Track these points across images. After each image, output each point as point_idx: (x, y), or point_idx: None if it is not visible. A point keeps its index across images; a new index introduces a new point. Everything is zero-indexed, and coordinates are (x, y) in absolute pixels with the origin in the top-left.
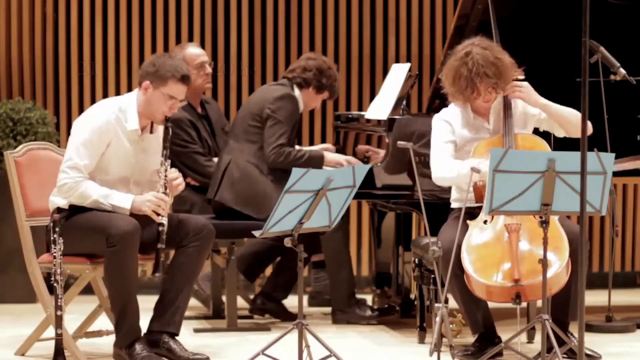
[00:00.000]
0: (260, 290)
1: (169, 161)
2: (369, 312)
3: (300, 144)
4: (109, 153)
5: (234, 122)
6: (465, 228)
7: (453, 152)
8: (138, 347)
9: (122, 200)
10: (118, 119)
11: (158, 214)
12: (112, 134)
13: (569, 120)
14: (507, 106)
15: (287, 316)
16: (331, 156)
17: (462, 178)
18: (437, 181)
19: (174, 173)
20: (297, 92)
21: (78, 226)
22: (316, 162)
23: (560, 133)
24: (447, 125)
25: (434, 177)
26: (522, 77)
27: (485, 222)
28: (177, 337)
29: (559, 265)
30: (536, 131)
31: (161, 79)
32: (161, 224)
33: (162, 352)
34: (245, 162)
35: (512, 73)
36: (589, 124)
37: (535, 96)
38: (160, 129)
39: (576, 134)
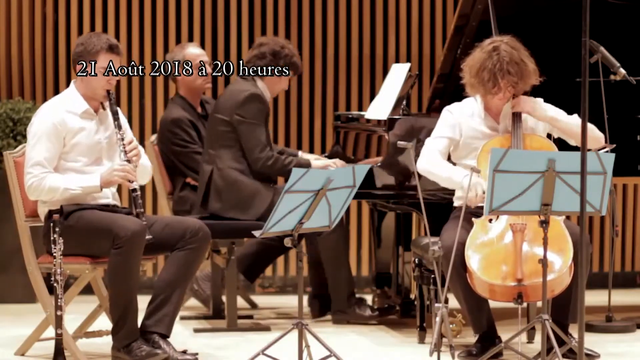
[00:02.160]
0: (312, 294)
1: (122, 129)
2: (368, 312)
3: (300, 144)
4: (69, 145)
5: (208, 130)
6: (467, 227)
7: (443, 149)
8: (135, 344)
9: (90, 179)
10: (64, 111)
11: (130, 181)
12: (64, 127)
13: (578, 133)
14: (516, 117)
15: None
16: (318, 163)
17: (439, 179)
18: (420, 171)
19: (129, 136)
20: (259, 82)
21: (81, 227)
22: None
23: (572, 142)
24: (452, 118)
25: (417, 166)
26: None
27: (490, 220)
28: (168, 339)
29: (562, 267)
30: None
31: (91, 54)
32: (134, 190)
33: None
34: (228, 168)
35: (533, 80)
36: (602, 136)
37: (543, 110)
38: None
39: (589, 146)
